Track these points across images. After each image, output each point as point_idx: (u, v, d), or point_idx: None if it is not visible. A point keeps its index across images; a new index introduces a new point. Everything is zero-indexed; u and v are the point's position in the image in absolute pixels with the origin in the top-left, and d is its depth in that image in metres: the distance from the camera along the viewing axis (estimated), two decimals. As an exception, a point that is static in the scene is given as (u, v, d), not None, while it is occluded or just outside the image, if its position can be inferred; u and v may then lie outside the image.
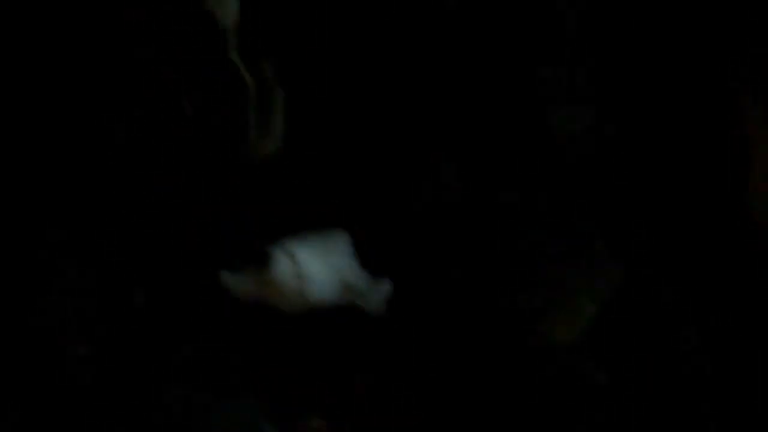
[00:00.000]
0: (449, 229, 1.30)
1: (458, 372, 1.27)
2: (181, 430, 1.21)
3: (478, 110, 1.32)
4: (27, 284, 1.27)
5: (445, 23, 1.32)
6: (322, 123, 1.33)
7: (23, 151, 1.30)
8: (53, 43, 1.31)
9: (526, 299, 1.27)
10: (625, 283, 1.27)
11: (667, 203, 1.31)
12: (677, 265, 1.29)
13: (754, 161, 1.28)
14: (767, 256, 1.28)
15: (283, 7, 1.32)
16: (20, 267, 1.27)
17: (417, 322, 1.28)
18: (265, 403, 1.25)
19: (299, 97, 1.32)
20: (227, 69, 1.29)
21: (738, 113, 1.30)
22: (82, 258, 1.28)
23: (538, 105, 1.31)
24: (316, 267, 1.25)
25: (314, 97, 1.32)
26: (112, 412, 1.21)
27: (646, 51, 1.31)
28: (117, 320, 1.26)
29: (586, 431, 1.23)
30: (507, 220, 1.29)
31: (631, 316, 1.27)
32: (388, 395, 1.26)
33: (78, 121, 1.31)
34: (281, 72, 1.31)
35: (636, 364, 1.25)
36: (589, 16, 1.31)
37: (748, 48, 1.29)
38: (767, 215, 1.28)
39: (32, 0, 1.30)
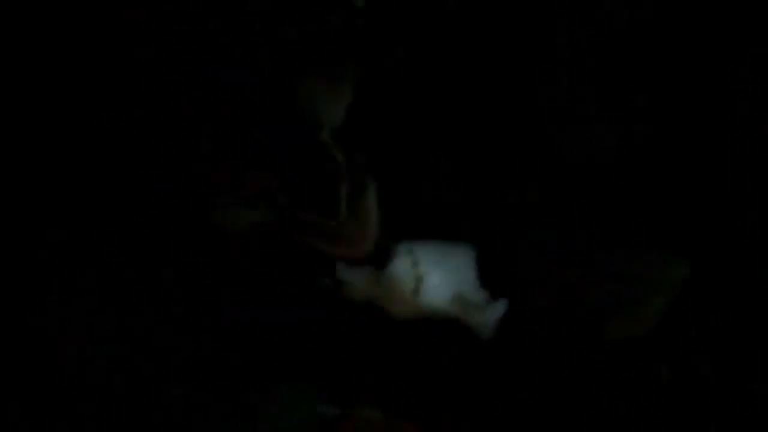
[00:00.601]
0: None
1: (525, 367, 1.27)
2: (181, 430, 1.22)
3: (484, 110, 1.32)
4: (27, 284, 1.27)
5: (445, 24, 1.33)
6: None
7: (23, 151, 1.30)
8: (53, 43, 1.31)
9: (596, 295, 1.27)
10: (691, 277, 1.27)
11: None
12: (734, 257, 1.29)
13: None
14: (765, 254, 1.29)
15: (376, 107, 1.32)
16: (20, 267, 1.27)
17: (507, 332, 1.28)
18: (321, 389, 1.25)
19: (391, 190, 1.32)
20: (318, 148, 1.29)
21: (738, 113, 1.30)
22: (82, 258, 1.28)
23: (541, 104, 1.32)
24: (435, 272, 1.25)
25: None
26: (113, 412, 1.21)
27: (647, 53, 1.31)
28: (117, 320, 1.26)
29: (649, 423, 1.23)
30: (573, 217, 1.30)
31: (695, 309, 1.27)
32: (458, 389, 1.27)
33: (78, 121, 1.31)
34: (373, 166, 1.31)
35: (700, 358, 1.25)
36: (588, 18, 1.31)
37: (748, 48, 1.29)
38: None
39: (32, 0, 1.31)
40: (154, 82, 1.31)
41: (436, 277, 1.25)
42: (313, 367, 1.26)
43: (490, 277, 1.27)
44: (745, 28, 1.29)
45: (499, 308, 1.25)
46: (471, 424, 1.25)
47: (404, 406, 1.25)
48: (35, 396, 1.22)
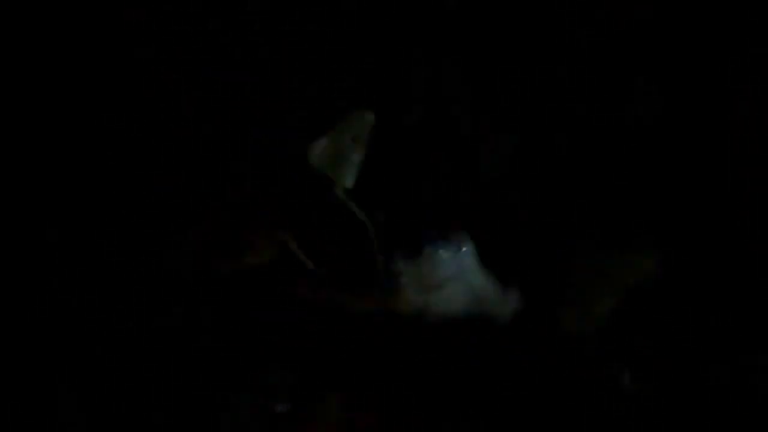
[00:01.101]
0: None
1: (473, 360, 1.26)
2: (181, 429, 1.22)
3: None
4: (26, 284, 1.27)
5: (445, 23, 1.33)
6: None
7: (23, 151, 1.30)
8: (53, 43, 1.31)
9: (546, 288, 1.26)
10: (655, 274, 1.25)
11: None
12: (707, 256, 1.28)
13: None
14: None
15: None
16: (20, 267, 1.27)
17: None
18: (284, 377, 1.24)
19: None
20: (340, 211, 1.29)
21: (738, 113, 1.30)
22: (82, 258, 1.28)
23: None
24: (444, 276, 1.22)
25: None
26: (114, 411, 1.22)
27: (648, 52, 1.32)
28: (117, 319, 1.26)
29: (597, 421, 1.23)
30: (535, 205, 1.29)
31: (655, 307, 1.26)
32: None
33: (78, 121, 1.31)
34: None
35: (653, 358, 1.25)
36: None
37: (748, 48, 1.30)
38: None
39: (32, 0, 1.31)
40: (154, 82, 1.31)
41: (446, 282, 1.22)
42: (277, 353, 1.25)
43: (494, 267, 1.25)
44: (745, 28, 1.29)
45: (514, 296, 1.23)
46: (430, 416, 1.24)
47: (367, 396, 1.24)
48: (35, 396, 1.22)
